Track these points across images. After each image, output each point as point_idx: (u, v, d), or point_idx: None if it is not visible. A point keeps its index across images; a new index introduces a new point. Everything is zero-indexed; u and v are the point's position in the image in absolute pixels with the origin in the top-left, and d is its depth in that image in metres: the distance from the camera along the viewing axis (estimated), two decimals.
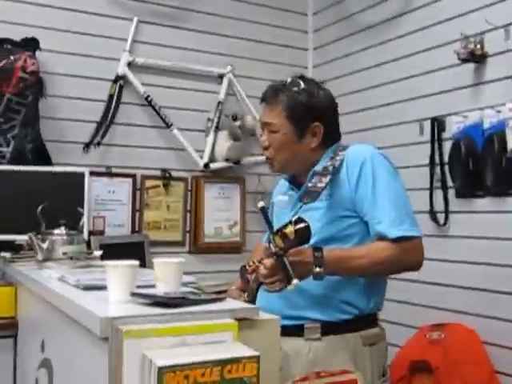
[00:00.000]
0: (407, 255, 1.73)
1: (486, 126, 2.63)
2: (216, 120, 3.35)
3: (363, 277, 1.80)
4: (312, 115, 1.85)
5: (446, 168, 2.81)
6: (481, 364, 2.51)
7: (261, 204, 1.69)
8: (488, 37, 2.63)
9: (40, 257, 2.19)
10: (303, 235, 1.60)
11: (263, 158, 3.53)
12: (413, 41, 3.04)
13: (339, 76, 3.51)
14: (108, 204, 3.12)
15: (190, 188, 3.35)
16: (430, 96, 2.91)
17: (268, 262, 1.67)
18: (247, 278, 2.01)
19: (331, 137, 1.91)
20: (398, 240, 1.70)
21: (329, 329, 1.76)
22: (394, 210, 1.74)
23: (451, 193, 2.80)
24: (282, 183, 2.10)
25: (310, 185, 1.79)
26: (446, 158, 2.82)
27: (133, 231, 3.17)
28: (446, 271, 2.80)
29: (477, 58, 2.64)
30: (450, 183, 2.81)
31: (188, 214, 3.35)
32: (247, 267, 2.04)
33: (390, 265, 1.74)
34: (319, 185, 1.76)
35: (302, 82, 1.89)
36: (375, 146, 1.89)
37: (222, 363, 1.17)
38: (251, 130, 3.45)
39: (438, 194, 2.85)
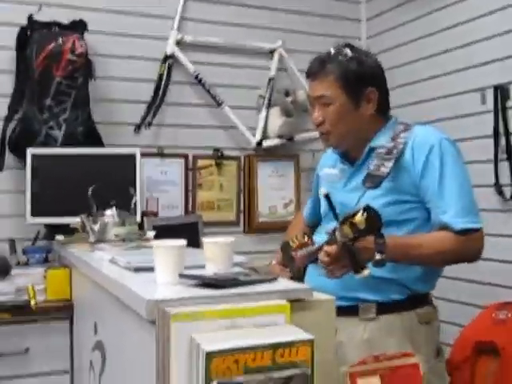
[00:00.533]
0: (469, 247, 1.73)
1: None
2: (268, 96, 3.26)
3: (422, 265, 1.77)
4: (365, 81, 1.81)
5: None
6: None
7: (324, 191, 1.64)
8: None
9: (92, 239, 2.18)
10: (374, 225, 1.55)
11: (317, 133, 3.49)
12: (470, 6, 2.86)
13: (393, 47, 3.36)
14: (161, 185, 3.09)
15: (242, 167, 3.30)
16: (491, 63, 2.74)
17: (331, 249, 1.63)
18: (291, 254, 1.94)
19: (385, 103, 1.87)
20: (462, 232, 1.69)
21: (384, 308, 1.73)
22: (460, 201, 1.71)
23: None
24: (329, 155, 2.04)
25: (371, 167, 1.75)
26: (511, 128, 2.65)
27: (186, 212, 3.15)
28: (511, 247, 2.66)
29: None
30: None
31: (241, 194, 3.30)
32: (291, 243, 1.98)
33: (452, 256, 1.74)
34: (382, 169, 1.72)
35: (348, 50, 1.83)
36: (441, 131, 1.83)
37: (274, 347, 1.11)
38: (303, 106, 3.35)
39: (504, 167, 2.69)
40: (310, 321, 1.27)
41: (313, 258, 1.86)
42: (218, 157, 3.21)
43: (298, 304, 1.27)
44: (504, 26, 2.66)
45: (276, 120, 3.25)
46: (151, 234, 2.37)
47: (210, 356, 1.06)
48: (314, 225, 2.18)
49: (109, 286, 1.55)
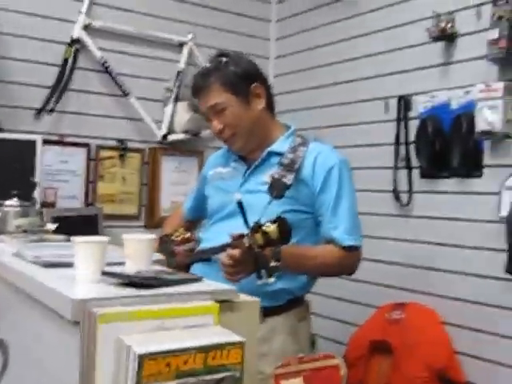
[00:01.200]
0: (351, 263, 1.92)
1: (454, 106, 2.61)
2: (175, 90, 3.21)
3: (310, 275, 1.94)
4: (247, 78, 1.92)
5: (411, 147, 2.79)
6: (440, 344, 2.52)
7: (238, 196, 1.66)
8: (459, 16, 2.59)
9: None
10: (287, 236, 1.61)
11: None
12: (380, 17, 2.97)
13: (302, 50, 3.43)
14: (60, 174, 2.95)
15: (146, 160, 3.22)
16: (397, 74, 2.87)
17: (236, 253, 1.67)
18: (172, 249, 1.95)
19: (271, 98, 2.00)
20: (347, 248, 1.86)
21: (269, 312, 1.81)
22: (351, 220, 1.88)
23: (415, 173, 2.78)
24: (219, 156, 2.13)
25: (276, 176, 1.85)
26: (411, 138, 2.79)
27: (86, 204, 3.03)
28: (407, 251, 2.79)
29: (447, 36, 2.60)
30: (414, 163, 2.78)
31: (144, 187, 3.23)
32: (173, 237, 2.01)
33: (337, 269, 1.94)
34: (285, 180, 1.84)
35: (222, 57, 1.95)
36: (338, 152, 1.99)
37: (206, 350, 1.09)
38: None
39: (402, 174, 2.83)
40: (235, 322, 1.26)
41: (201, 257, 1.88)
42: (122, 148, 3.12)
43: (224, 305, 1.26)
44: (412, 39, 2.78)
45: (183, 115, 3.21)
46: (52, 226, 2.25)
47: (142, 358, 1.03)
48: (193, 220, 2.29)
49: (18, 281, 1.45)
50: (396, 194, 2.83)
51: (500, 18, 2.39)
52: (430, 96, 2.70)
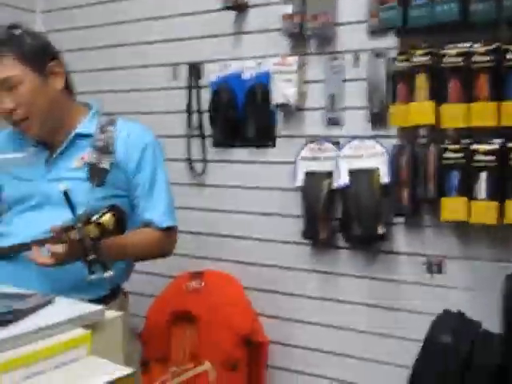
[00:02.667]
0: (170, 243, 1.92)
1: (246, 76, 2.64)
2: None
3: (133, 261, 1.91)
4: (46, 54, 1.76)
5: (204, 116, 2.77)
6: (242, 309, 2.61)
7: (64, 187, 1.47)
8: None
9: None
10: (123, 225, 1.55)
11: None
12: None
13: (75, 6, 3.13)
14: None
15: None
16: (187, 40, 2.79)
17: (60, 249, 1.52)
18: None
19: (70, 79, 1.85)
20: (167, 229, 1.85)
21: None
22: (166, 200, 1.86)
23: (209, 142, 2.77)
24: (6, 137, 1.89)
25: (92, 161, 1.73)
26: (203, 106, 2.77)
27: None
28: (202, 220, 2.81)
29: (239, 6, 2.60)
30: (207, 132, 2.77)
31: None
32: None
33: (158, 251, 1.91)
34: (102, 165, 1.72)
35: (15, 29, 1.75)
36: (149, 130, 1.92)
37: None
38: None
39: (195, 143, 2.80)
40: (101, 343, 1.15)
41: (6, 253, 1.68)
42: None
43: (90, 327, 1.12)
44: (204, 5, 2.72)
45: None
46: None
47: None
48: None
49: None
50: (190, 163, 2.80)
51: None
52: (222, 65, 2.69)
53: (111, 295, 1.82)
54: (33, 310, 1.11)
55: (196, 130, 2.79)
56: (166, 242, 1.88)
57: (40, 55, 1.73)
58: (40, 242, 1.58)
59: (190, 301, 2.67)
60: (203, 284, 2.69)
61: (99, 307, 1.17)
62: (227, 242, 2.75)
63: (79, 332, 1.08)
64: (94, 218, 1.49)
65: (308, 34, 2.44)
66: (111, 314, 1.20)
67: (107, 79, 3.01)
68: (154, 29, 2.87)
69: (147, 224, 1.83)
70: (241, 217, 2.71)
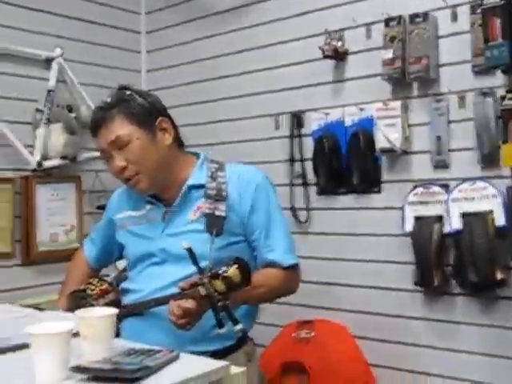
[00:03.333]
0: (294, 281, 1.85)
1: (348, 123, 2.65)
2: (47, 111, 2.90)
3: (257, 304, 1.86)
4: (152, 112, 1.80)
5: (306, 164, 2.78)
6: (355, 360, 2.55)
7: (186, 245, 1.50)
8: (349, 34, 2.63)
9: None
10: (249, 276, 1.49)
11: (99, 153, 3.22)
12: (269, 31, 2.91)
13: (177, 64, 3.28)
14: None
15: (18, 190, 2.88)
16: (288, 90, 2.84)
17: (190, 304, 1.52)
18: (91, 304, 1.77)
19: (179, 135, 1.87)
20: (289, 268, 1.79)
21: (217, 357, 1.59)
22: (286, 238, 1.82)
23: (312, 190, 2.78)
24: (126, 195, 1.93)
25: (207, 211, 1.72)
26: (305, 155, 2.79)
27: None
28: (307, 268, 2.78)
29: (338, 54, 2.62)
30: (310, 180, 2.78)
31: (18, 221, 2.88)
32: (89, 291, 1.82)
33: (283, 291, 1.85)
34: (218, 213, 1.71)
35: (125, 90, 1.83)
36: (259, 169, 1.90)
37: None
38: (85, 123, 3.07)
39: (299, 191, 2.82)
40: None
41: (139, 310, 1.71)
42: None
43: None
44: (304, 55, 2.77)
45: (58, 138, 2.91)
46: None
47: None
48: (99, 268, 2.10)
49: None
50: (294, 211, 2.81)
51: (392, 38, 2.46)
52: (323, 113, 2.71)
53: (238, 344, 1.78)
54: (161, 366, 1.14)
55: (299, 179, 2.80)
56: (290, 280, 1.82)
57: (148, 114, 1.77)
58: (170, 298, 1.59)
59: (299, 351, 2.64)
60: (313, 333, 2.65)
61: (224, 363, 1.18)
62: (335, 290, 2.71)
63: None
64: (221, 271, 1.48)
65: (410, 78, 2.42)
66: (236, 369, 1.20)
67: (210, 132, 3.11)
68: (257, 81, 2.95)
69: (269, 264, 1.78)
70: (348, 264, 2.67)
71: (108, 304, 1.75)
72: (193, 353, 1.43)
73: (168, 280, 1.68)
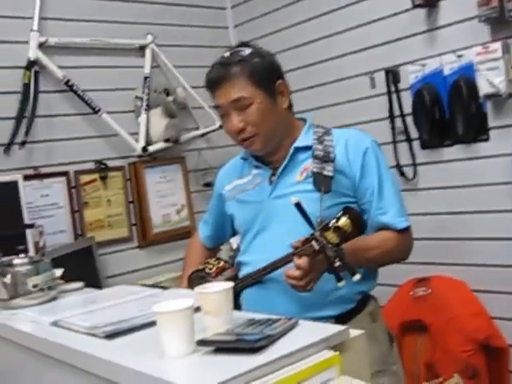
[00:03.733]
0: (408, 244, 1.78)
1: (447, 72, 2.54)
2: (146, 97, 3.01)
3: (371, 267, 1.78)
4: (273, 74, 1.74)
5: (408, 119, 2.70)
6: (477, 314, 2.48)
7: (295, 200, 1.49)
8: None
9: (5, 295, 1.82)
10: (361, 224, 1.49)
11: (199, 132, 3.30)
12: None
13: (267, 34, 3.27)
14: (44, 210, 2.72)
15: (128, 176, 3.02)
16: (380, 46, 2.76)
17: (304, 261, 1.50)
18: (211, 281, 1.79)
19: (291, 97, 1.80)
20: (403, 230, 1.73)
21: (341, 321, 1.63)
22: (398, 201, 1.76)
23: (416, 145, 2.70)
24: (231, 167, 1.92)
25: (316, 170, 1.67)
26: (405, 110, 2.71)
27: (76, 236, 2.81)
28: (418, 225, 2.72)
29: (429, 1, 2.51)
30: (413, 135, 2.70)
31: (131, 206, 3.03)
32: (207, 270, 1.85)
33: (397, 255, 1.78)
34: (326, 172, 1.66)
35: (246, 48, 1.74)
36: (366, 133, 1.83)
37: None
38: (183, 104, 3.16)
39: (402, 148, 2.75)
40: (349, 362, 1.15)
41: (255, 279, 1.73)
42: (102, 169, 2.90)
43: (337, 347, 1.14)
44: (394, 7, 2.68)
45: (159, 122, 3.02)
46: (58, 272, 2.06)
47: None
48: (214, 247, 2.11)
49: (87, 365, 1.27)
50: (400, 168, 2.75)
51: None
52: (419, 65, 2.62)
53: (360, 305, 1.75)
54: (281, 334, 1.16)
55: (401, 135, 2.73)
56: (404, 243, 1.76)
57: (269, 75, 1.72)
58: (284, 260, 1.60)
59: (418, 309, 2.61)
60: (430, 291, 2.61)
61: (343, 327, 1.18)
62: (449, 245, 2.64)
63: (328, 354, 1.10)
64: (331, 223, 1.48)
65: (510, 16, 2.27)
66: (355, 332, 1.20)
67: (306, 97, 3.08)
68: (348, 40, 2.89)
69: (383, 227, 1.73)
70: (459, 217, 2.59)
71: (226, 280, 1.79)
72: (316, 319, 1.44)
73: (279, 244, 1.65)
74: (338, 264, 1.47)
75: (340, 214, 1.48)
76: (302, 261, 1.50)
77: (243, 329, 1.20)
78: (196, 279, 1.85)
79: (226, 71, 1.70)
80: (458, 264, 2.60)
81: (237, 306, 1.69)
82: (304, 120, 1.86)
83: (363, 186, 1.73)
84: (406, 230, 1.74)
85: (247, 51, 1.72)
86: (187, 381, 1.04)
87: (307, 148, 1.75)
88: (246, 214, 1.82)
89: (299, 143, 1.77)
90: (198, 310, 1.23)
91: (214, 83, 1.73)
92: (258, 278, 1.72)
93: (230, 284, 1.28)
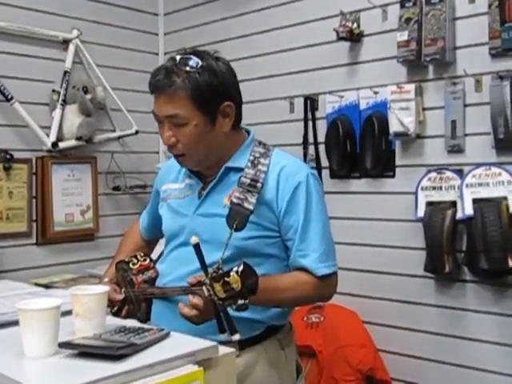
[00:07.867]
0: (327, 290, 1.68)
1: (363, 106, 2.61)
2: (63, 92, 2.92)
3: (282, 307, 1.68)
4: (220, 95, 1.60)
5: (320, 148, 2.76)
6: (364, 345, 2.53)
7: (195, 240, 1.40)
8: (364, 16, 2.58)
9: None
10: (251, 289, 1.35)
11: (115, 134, 3.24)
12: (283, 14, 2.88)
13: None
14: None
15: (34, 171, 2.92)
16: (302, 73, 2.81)
17: (198, 302, 1.43)
18: (130, 278, 1.75)
19: (240, 116, 1.69)
20: (322, 277, 1.62)
21: (245, 345, 1.60)
22: (323, 245, 1.64)
23: (325, 173, 2.75)
24: (171, 166, 1.82)
25: (235, 201, 1.58)
26: (319, 138, 2.76)
27: None
28: None
29: (354, 36, 2.58)
30: (323, 163, 2.75)
31: (34, 201, 2.92)
32: (131, 265, 1.78)
33: (311, 299, 1.77)
34: (246, 204, 1.57)
35: (197, 58, 1.59)
36: (305, 164, 1.82)
37: None
38: (101, 104, 3.10)
39: None
40: (214, 378, 1.15)
41: (161, 294, 1.69)
42: (6, 159, 2.79)
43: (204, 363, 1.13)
44: (319, 37, 2.73)
45: (73, 119, 2.93)
46: None
47: None
48: (151, 239, 2.03)
49: None
50: None
51: (408, 19, 2.41)
52: (338, 96, 2.68)
53: (268, 333, 1.67)
54: (149, 344, 1.14)
55: (312, 162, 2.78)
56: (323, 290, 1.65)
57: (214, 96, 1.59)
58: (181, 291, 1.52)
59: (309, 335, 2.63)
60: (323, 318, 2.65)
61: (212, 343, 1.18)
62: (346, 274, 2.68)
63: (192, 368, 1.09)
64: (225, 274, 1.37)
65: (426, 60, 2.37)
66: (225, 350, 1.20)
67: None
68: (271, 64, 2.92)
69: (301, 269, 1.63)
70: (360, 249, 2.64)
71: (146, 281, 1.71)
72: (220, 342, 1.31)
73: (193, 266, 1.54)
74: (222, 314, 1.39)
75: (235, 268, 1.36)
76: (198, 301, 1.43)
77: (111, 335, 1.17)
78: (120, 270, 1.75)
79: (169, 81, 1.57)
80: (350, 294, 2.64)
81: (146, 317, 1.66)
82: (248, 133, 1.77)
83: (287, 223, 1.63)
84: (328, 277, 1.63)
85: (199, 63, 1.59)
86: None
87: (239, 169, 1.66)
88: (172, 224, 1.76)
89: (231, 163, 1.67)
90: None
91: (154, 89, 1.61)
92: (160, 296, 1.65)
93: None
